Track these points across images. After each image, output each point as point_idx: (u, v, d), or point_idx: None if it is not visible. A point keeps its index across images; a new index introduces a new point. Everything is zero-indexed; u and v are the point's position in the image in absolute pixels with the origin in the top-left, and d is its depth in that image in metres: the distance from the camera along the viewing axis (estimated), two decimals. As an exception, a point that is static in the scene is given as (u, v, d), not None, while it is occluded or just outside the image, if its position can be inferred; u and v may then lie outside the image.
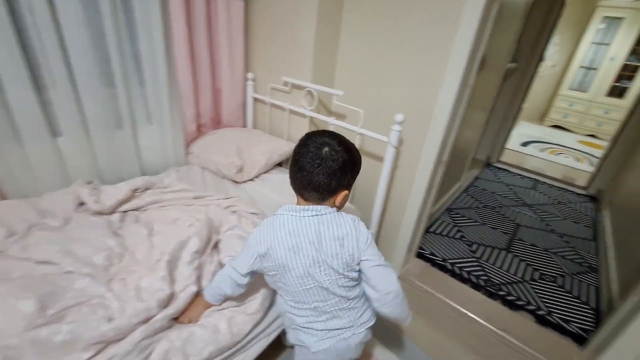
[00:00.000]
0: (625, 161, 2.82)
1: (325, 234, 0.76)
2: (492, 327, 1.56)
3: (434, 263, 1.97)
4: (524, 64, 3.09)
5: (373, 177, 1.53)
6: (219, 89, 1.90)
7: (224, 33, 1.73)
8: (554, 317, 1.67)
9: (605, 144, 3.09)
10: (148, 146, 1.66)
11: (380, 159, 1.53)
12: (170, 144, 1.69)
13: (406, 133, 1.52)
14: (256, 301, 0.96)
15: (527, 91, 3.31)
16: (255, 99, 1.92)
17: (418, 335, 1.52)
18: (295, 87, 1.66)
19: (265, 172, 1.72)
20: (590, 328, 1.62)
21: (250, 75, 1.85)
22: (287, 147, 1.75)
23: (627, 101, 4.60)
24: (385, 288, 0.79)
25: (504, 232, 2.37)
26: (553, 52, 5.57)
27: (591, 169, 3.26)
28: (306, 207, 0.78)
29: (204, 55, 1.72)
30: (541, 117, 5.81)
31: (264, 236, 0.80)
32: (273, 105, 1.83)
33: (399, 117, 1.22)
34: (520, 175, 3.45)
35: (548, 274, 1.99)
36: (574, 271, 2.05)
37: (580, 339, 1.56)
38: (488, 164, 3.63)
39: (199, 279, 0.95)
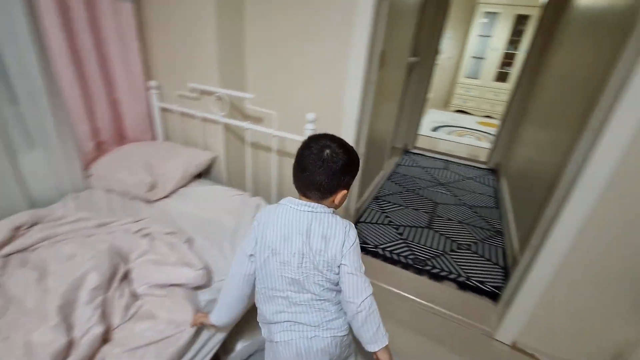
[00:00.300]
0: (513, 136, 3.29)
1: (315, 230, 0.80)
2: (422, 301, 1.69)
3: (367, 251, 2.06)
4: (424, 57, 3.40)
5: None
6: (117, 101, 1.71)
7: (113, 38, 1.56)
8: (472, 281, 1.88)
9: (498, 122, 3.58)
10: (34, 173, 1.41)
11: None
12: (62, 168, 1.47)
13: (322, 130, 1.55)
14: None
15: (430, 81, 3.64)
16: (163, 109, 1.78)
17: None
18: (204, 92, 1.58)
19: (182, 186, 1.60)
20: (502, 284, 1.85)
21: (153, 83, 1.70)
22: (204, 157, 1.65)
23: (510, 84, 5.38)
24: (352, 297, 0.80)
25: (425, 212, 2.58)
26: (448, 45, 6.25)
27: (489, 145, 3.74)
28: (305, 202, 0.82)
29: (93, 63, 1.53)
30: (446, 104, 6.48)
31: (263, 221, 0.84)
32: (183, 114, 1.71)
33: (310, 115, 1.23)
34: (433, 157, 3.80)
35: (464, 243, 2.22)
36: (484, 237, 2.33)
37: (494, 296, 1.77)
38: (406, 151, 3.93)
39: (104, 318, 0.84)
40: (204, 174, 1.79)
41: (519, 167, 2.67)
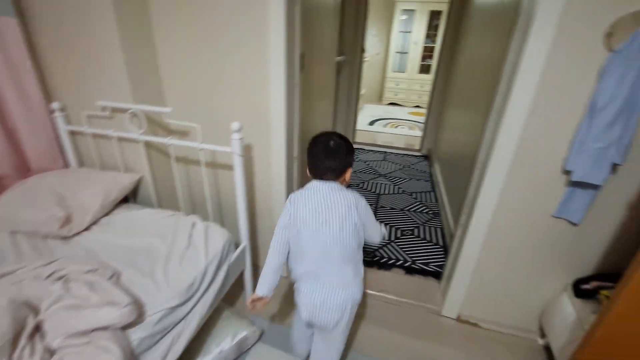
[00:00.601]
0: (439, 122, 3.55)
1: (337, 201, 1.01)
2: (374, 292, 1.74)
3: (317, 252, 2.06)
4: (351, 56, 3.51)
5: (234, 189, 1.47)
6: (13, 129, 1.49)
7: (-3, 58, 1.36)
8: (417, 264, 1.98)
9: (425, 111, 3.84)
10: None
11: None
12: (-53, 215, 1.24)
13: (252, 138, 1.51)
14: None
15: (359, 78, 3.77)
16: (72, 132, 1.59)
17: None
18: (117, 110, 1.44)
19: (105, 215, 1.45)
20: (443, 263, 1.98)
21: (55, 105, 1.51)
22: (127, 180, 1.52)
23: (431, 75, 5.80)
24: (371, 240, 1.13)
25: (370, 204, 2.66)
26: (374, 42, 6.55)
27: (420, 133, 3.99)
28: (325, 182, 1.04)
29: (-27, 89, 1.32)
30: (379, 98, 6.79)
31: (295, 201, 1.04)
32: (96, 136, 1.55)
33: (235, 125, 1.19)
34: (372, 150, 3.95)
35: (407, 229, 2.34)
36: (424, 220, 2.47)
37: (438, 275, 1.89)
38: (347, 147, 4.03)
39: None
40: (130, 198, 1.64)
41: (447, 151, 2.88)
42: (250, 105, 1.43)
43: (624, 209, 1.19)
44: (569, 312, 1.29)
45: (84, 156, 1.67)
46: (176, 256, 1.20)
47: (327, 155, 1.01)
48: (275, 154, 1.50)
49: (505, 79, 1.22)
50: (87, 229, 1.37)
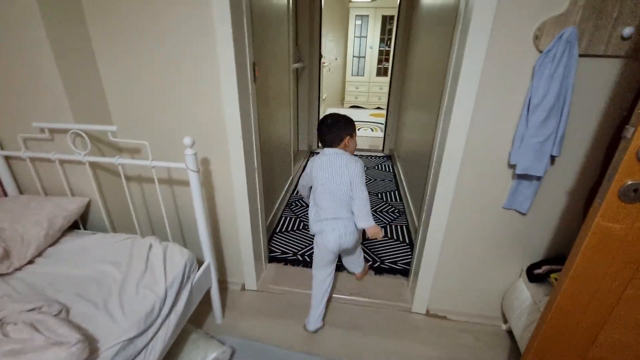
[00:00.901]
0: (398, 122, 3.67)
1: (340, 163, 1.39)
2: (344, 296, 1.75)
3: (286, 261, 2.04)
4: (309, 62, 3.54)
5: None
6: None
7: None
8: (386, 263, 2.02)
9: (385, 112, 3.95)
10: None
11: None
12: None
13: (209, 152, 1.47)
14: None
15: (319, 83, 3.81)
16: (7, 157, 1.46)
17: (287, 338, 1.53)
18: (56, 131, 1.34)
19: (51, 245, 1.34)
20: (410, 260, 2.03)
21: (-16, 129, 1.38)
22: (73, 206, 1.41)
23: (388, 78, 5.99)
24: (355, 194, 1.40)
25: (337, 208, 2.68)
26: (333, 47, 6.66)
27: (382, 134, 4.10)
28: (331, 148, 1.42)
29: None
30: (341, 101, 6.90)
31: (312, 162, 1.46)
32: (35, 160, 1.43)
33: (187, 140, 1.15)
34: (337, 154, 3.98)
35: (374, 230, 2.38)
36: (391, 219, 2.53)
37: (406, 273, 1.94)
38: (311, 152, 4.04)
39: None
40: (81, 224, 1.53)
41: (407, 150, 2.98)
42: (204, 118, 1.39)
43: (564, 196, 1.28)
44: (526, 296, 1.37)
45: (24, 183, 1.53)
46: (132, 283, 1.13)
47: (327, 131, 1.42)
48: (235, 166, 1.46)
49: (451, 81, 1.28)
50: (30, 262, 1.25)
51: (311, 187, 1.52)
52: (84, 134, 1.29)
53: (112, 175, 1.52)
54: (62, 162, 1.41)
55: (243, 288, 1.82)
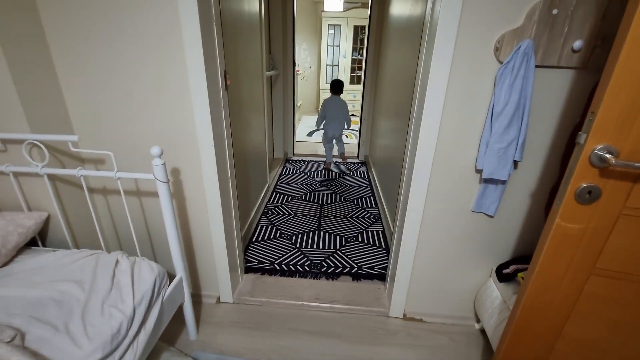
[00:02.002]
0: (372, 129, 3.74)
1: (338, 103, 3.46)
2: (323, 304, 1.73)
3: (263, 271, 2.00)
4: (283, 70, 3.54)
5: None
6: None
7: None
8: (363, 269, 2.03)
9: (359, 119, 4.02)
10: None
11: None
12: None
13: (180, 161, 1.43)
14: None
15: (294, 91, 3.82)
16: (-47, 171, 1.34)
17: (264, 351, 1.50)
18: (9, 142, 1.25)
19: (5, 265, 1.24)
20: (386, 264, 2.06)
21: None
22: (30, 221, 1.31)
23: (361, 86, 6.11)
24: (345, 118, 3.54)
25: (313, 215, 2.68)
26: (307, 56, 6.72)
27: (357, 141, 4.15)
28: (336, 95, 3.47)
29: None
30: (316, 108, 6.94)
31: (325, 102, 3.49)
32: (-14, 173, 1.33)
33: (155, 150, 1.11)
34: (313, 161, 4.00)
35: (351, 236, 2.39)
36: (367, 225, 2.56)
37: (383, 277, 1.96)
38: (287, 160, 4.03)
39: None
40: (40, 241, 1.43)
41: (381, 156, 3.04)
42: (174, 126, 1.35)
43: (527, 198, 1.35)
44: (496, 295, 1.42)
45: (-27, 198, 1.42)
46: (96, 302, 1.06)
47: (336, 86, 3.43)
48: (207, 176, 1.43)
49: (419, 90, 1.32)
50: (-20, 284, 1.15)
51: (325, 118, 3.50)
52: (41, 145, 1.21)
53: (74, 187, 1.44)
54: (16, 174, 1.31)
55: (218, 301, 1.76)
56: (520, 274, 1.32)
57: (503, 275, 1.39)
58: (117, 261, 1.24)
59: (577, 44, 1.09)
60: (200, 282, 1.74)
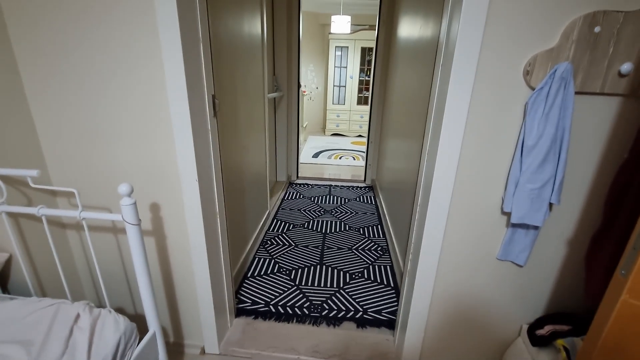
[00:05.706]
0: (380, 151, 3.56)
1: None
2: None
3: (257, 314, 1.79)
4: (287, 91, 3.43)
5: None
6: None
7: None
8: (369, 313, 1.80)
9: (366, 141, 3.87)
10: None
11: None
12: None
13: (159, 196, 1.26)
14: None
15: (299, 112, 3.70)
16: None
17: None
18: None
19: (-49, 317, 1.07)
20: (396, 307, 1.83)
21: None
22: (-13, 263, 1.15)
23: (369, 107, 6.00)
24: None
25: (315, 246, 2.48)
26: (314, 77, 6.68)
27: (363, 163, 3.99)
28: None
29: None
30: (323, 129, 6.84)
31: None
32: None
33: (124, 188, 0.94)
34: (317, 185, 3.82)
35: (356, 272, 2.17)
36: (373, 259, 2.34)
37: (392, 324, 1.72)
38: (291, 183, 3.86)
39: None
40: (2, 285, 1.26)
41: (389, 180, 2.84)
42: (154, 158, 1.20)
43: (564, 246, 1.14)
44: (528, 362, 1.19)
45: None
46: (42, 373, 0.88)
47: None
48: (191, 213, 1.26)
49: (434, 118, 1.15)
50: None
51: None
52: None
53: (41, 225, 1.28)
54: (-26, 211, 1.16)
55: (203, 352, 1.55)
56: (560, 341, 1.08)
57: (537, 338, 1.16)
58: (78, 316, 1.06)
59: (626, 67, 0.91)
60: (182, 330, 1.53)
